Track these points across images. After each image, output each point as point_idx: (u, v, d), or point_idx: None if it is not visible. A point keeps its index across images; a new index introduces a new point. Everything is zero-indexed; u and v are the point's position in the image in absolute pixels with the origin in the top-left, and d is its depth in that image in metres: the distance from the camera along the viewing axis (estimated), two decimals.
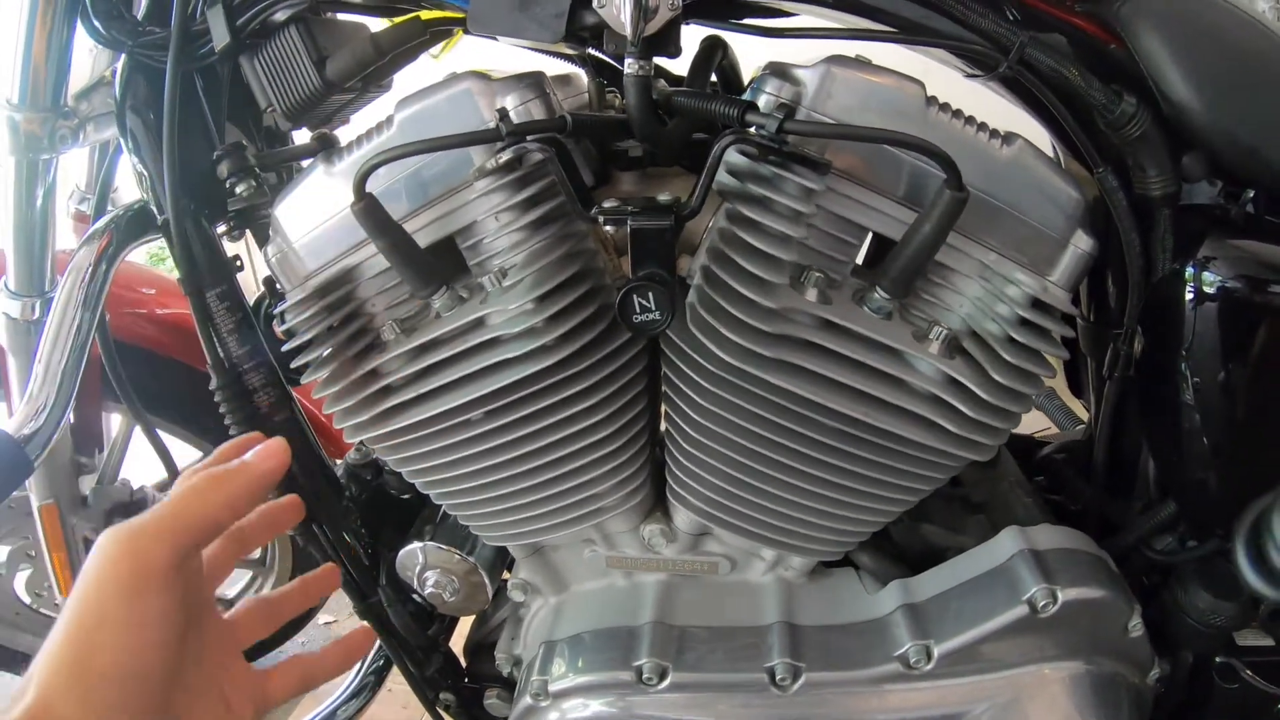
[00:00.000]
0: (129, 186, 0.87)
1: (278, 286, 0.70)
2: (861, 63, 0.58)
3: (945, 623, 0.62)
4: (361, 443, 0.76)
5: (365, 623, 0.81)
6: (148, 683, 0.38)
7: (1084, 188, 0.61)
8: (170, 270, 0.74)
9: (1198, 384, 0.63)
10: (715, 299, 0.56)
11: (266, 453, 0.47)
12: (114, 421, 1.07)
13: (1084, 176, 0.65)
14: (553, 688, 0.66)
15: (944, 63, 0.65)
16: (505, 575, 0.81)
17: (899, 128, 0.56)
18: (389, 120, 0.62)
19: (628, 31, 0.52)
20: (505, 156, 0.56)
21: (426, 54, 0.72)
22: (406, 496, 0.84)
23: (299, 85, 0.67)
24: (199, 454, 1.13)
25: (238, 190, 0.70)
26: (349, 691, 0.96)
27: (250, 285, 0.78)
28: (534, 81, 0.60)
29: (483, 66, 0.65)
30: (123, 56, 0.69)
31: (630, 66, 0.55)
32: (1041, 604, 0.60)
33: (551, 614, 0.74)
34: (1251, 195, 0.63)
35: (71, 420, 0.92)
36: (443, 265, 0.62)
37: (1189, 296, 0.62)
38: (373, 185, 0.60)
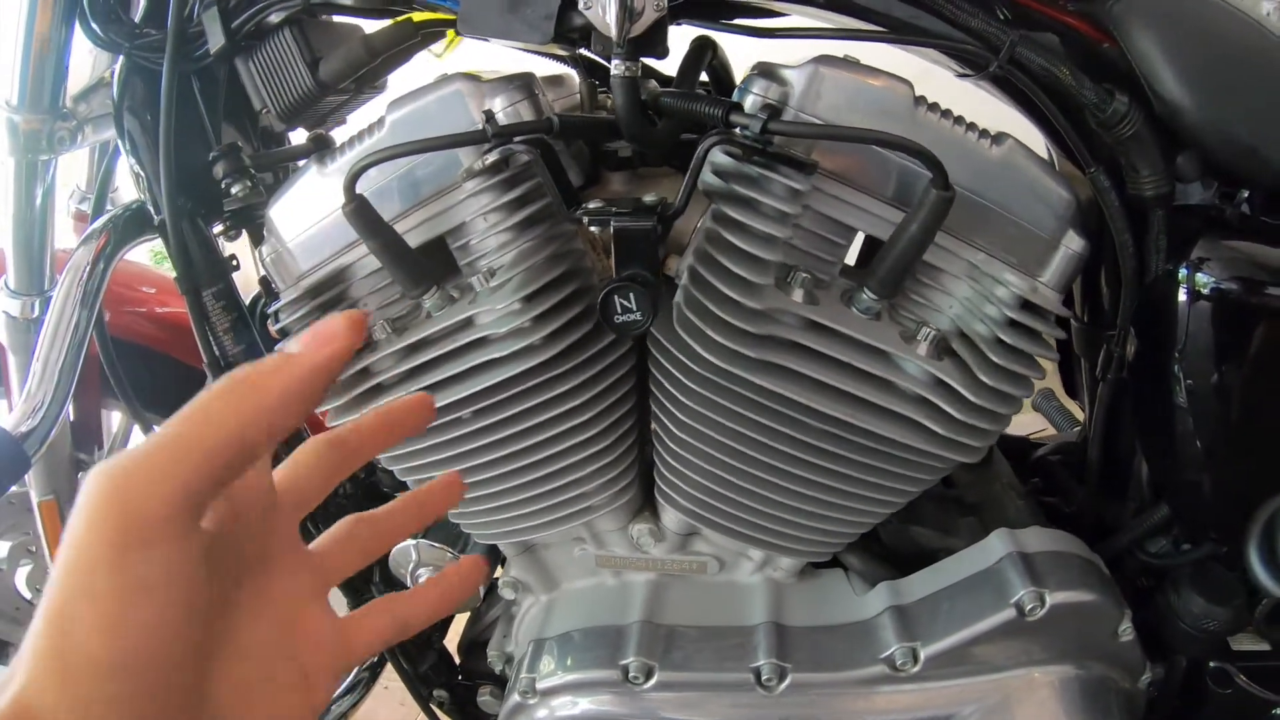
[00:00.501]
0: (129, 186, 0.87)
1: (273, 286, 0.71)
2: (849, 63, 0.58)
3: (932, 625, 0.62)
4: None
5: (475, 554, 0.74)
6: (156, 670, 0.28)
7: (1076, 188, 0.60)
8: (171, 269, 0.74)
9: (1191, 386, 0.62)
10: (700, 299, 0.56)
11: (324, 336, 0.31)
12: (114, 418, 1.08)
13: (1077, 177, 0.65)
14: (541, 685, 0.67)
15: (937, 63, 0.65)
16: (499, 574, 0.81)
17: (887, 128, 0.55)
18: (380, 122, 0.63)
19: (613, 33, 0.52)
20: (492, 158, 0.56)
21: (429, 53, 0.73)
22: (400, 494, 0.85)
23: (293, 87, 0.68)
24: None
25: (233, 191, 0.71)
26: (343, 687, 0.96)
27: (252, 282, 0.78)
28: (523, 83, 0.61)
29: (480, 67, 0.66)
30: (120, 58, 0.70)
31: (617, 68, 0.55)
32: (1029, 607, 0.59)
33: (542, 612, 0.75)
34: (1246, 195, 0.62)
35: (71, 417, 0.93)
36: (434, 265, 0.62)
37: (1182, 298, 0.62)
38: (365, 186, 0.61)
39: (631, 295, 0.52)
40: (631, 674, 0.64)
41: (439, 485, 0.41)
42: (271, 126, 0.81)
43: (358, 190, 0.58)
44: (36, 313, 0.81)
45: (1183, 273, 0.62)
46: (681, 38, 0.68)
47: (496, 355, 0.60)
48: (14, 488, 0.84)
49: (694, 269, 0.57)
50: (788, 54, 0.60)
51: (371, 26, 0.70)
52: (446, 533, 0.78)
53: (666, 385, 0.61)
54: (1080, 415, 0.94)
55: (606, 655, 0.65)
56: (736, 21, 0.65)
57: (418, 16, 0.66)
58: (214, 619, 0.31)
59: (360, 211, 0.59)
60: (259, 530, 0.34)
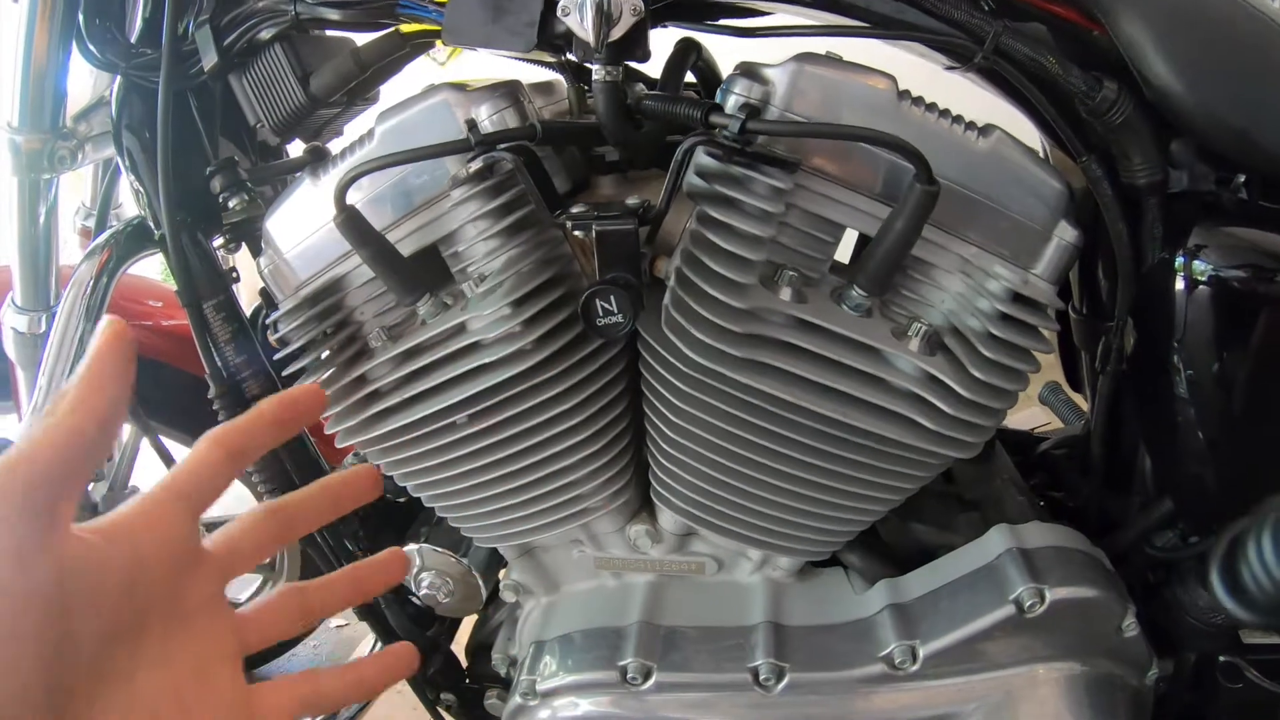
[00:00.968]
0: (132, 202, 0.89)
1: (272, 296, 0.72)
2: (832, 60, 0.58)
3: (931, 623, 0.61)
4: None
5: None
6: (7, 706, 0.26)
7: (1070, 178, 0.60)
8: None
9: (1191, 376, 0.62)
10: (686, 300, 0.56)
11: (110, 334, 0.32)
12: (123, 431, 1.10)
13: (1070, 167, 0.64)
14: (541, 687, 0.67)
15: (924, 57, 0.65)
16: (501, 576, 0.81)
17: (871, 123, 0.55)
18: (370, 133, 0.64)
19: (590, 39, 0.52)
20: (475, 165, 0.57)
21: (433, 61, 0.74)
22: (402, 500, 0.85)
23: (285, 101, 0.69)
24: None
25: (230, 205, 0.72)
26: None
27: (255, 292, 0.79)
28: (508, 91, 0.61)
29: (480, 72, 0.66)
30: (118, 78, 0.71)
31: (598, 73, 0.55)
32: (1028, 604, 0.59)
33: (543, 614, 0.75)
34: (1243, 180, 0.61)
35: None
36: (427, 273, 0.63)
37: (1180, 286, 0.61)
38: (357, 196, 0.61)
39: (612, 298, 0.52)
40: (630, 675, 0.64)
41: (379, 560, 0.41)
42: (268, 140, 0.82)
43: (349, 201, 0.59)
44: (44, 328, 0.82)
45: (1179, 261, 0.61)
46: (667, 39, 0.68)
47: (488, 360, 0.60)
48: None
49: (680, 270, 0.57)
50: (773, 53, 0.60)
51: (362, 39, 0.71)
52: (449, 537, 0.79)
53: (657, 387, 0.61)
54: (1087, 408, 0.93)
55: (605, 656, 0.65)
56: (720, 22, 0.65)
57: (405, 28, 0.67)
58: (100, 661, 0.30)
59: (351, 222, 0.59)
60: (172, 583, 0.33)
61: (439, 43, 0.70)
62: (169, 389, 0.97)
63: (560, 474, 0.66)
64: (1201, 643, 0.68)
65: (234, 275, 0.79)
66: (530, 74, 0.72)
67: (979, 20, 0.58)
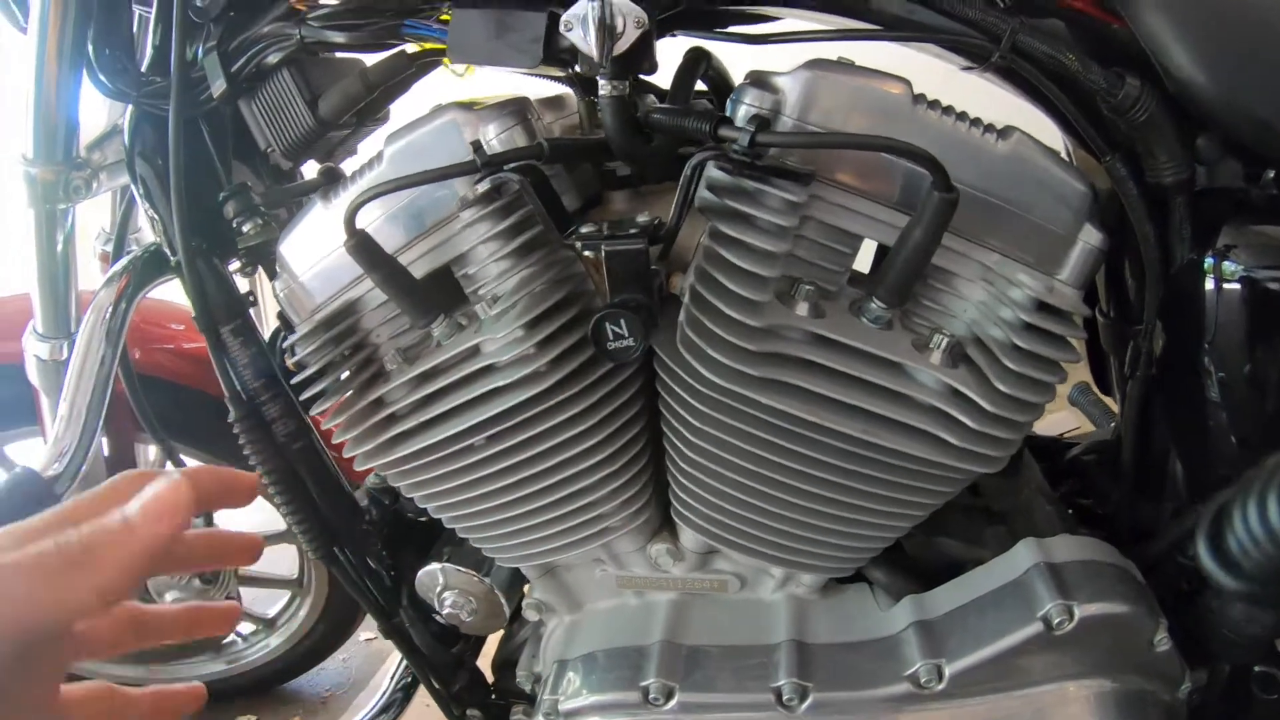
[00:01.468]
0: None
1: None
2: (844, 65, 0.56)
3: (958, 640, 0.60)
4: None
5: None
6: None
7: (1094, 179, 0.58)
8: None
9: (1223, 379, 0.60)
10: (701, 319, 0.55)
11: (160, 508, 0.33)
12: (149, 451, 1.11)
13: (1094, 167, 0.62)
14: (564, 707, 0.66)
15: (940, 59, 0.63)
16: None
17: (886, 128, 0.54)
18: (379, 155, 0.63)
19: (594, 54, 0.52)
20: (483, 187, 0.56)
21: (453, 74, 0.73)
22: (424, 519, 0.85)
23: (294, 125, 0.69)
24: None
25: (244, 229, 0.72)
26: (377, 707, 0.98)
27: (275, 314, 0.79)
28: (515, 109, 0.60)
29: (495, 87, 0.65)
30: (129, 107, 0.72)
31: (604, 87, 0.54)
32: (1057, 621, 0.57)
33: (566, 633, 0.74)
34: (1273, 175, 0.59)
35: (106, 452, 0.96)
36: (441, 294, 0.62)
37: (1209, 287, 0.60)
38: (369, 219, 0.61)
39: (623, 321, 0.51)
40: (652, 695, 0.63)
41: (219, 609, 0.43)
42: (280, 164, 0.82)
43: (359, 224, 0.59)
44: (65, 354, 0.83)
45: (1209, 261, 0.59)
46: (677, 49, 0.67)
47: (503, 383, 0.60)
48: None
49: (694, 288, 0.56)
50: (785, 59, 0.59)
51: (370, 59, 0.70)
52: (472, 556, 0.78)
53: (675, 406, 0.60)
54: (1117, 410, 0.91)
55: (628, 676, 0.64)
56: (730, 30, 0.63)
57: (411, 48, 0.67)
58: None
59: (362, 247, 0.59)
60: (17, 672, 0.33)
61: (445, 61, 0.70)
62: (190, 411, 0.98)
63: (579, 495, 0.65)
64: (1236, 653, 0.66)
65: (252, 299, 0.79)
66: (542, 87, 0.72)
67: (994, 18, 0.56)
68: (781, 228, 0.53)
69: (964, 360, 0.57)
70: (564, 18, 0.54)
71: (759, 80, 0.56)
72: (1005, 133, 0.56)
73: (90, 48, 0.70)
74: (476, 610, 0.79)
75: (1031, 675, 0.60)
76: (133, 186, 0.74)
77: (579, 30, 0.52)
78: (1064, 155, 0.64)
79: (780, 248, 0.53)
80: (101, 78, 0.70)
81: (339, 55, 0.74)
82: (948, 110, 0.56)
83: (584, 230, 0.54)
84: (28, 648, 0.30)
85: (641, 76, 0.62)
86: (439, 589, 0.80)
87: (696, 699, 0.63)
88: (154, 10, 0.67)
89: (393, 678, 0.98)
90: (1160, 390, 0.66)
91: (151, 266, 0.78)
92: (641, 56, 0.55)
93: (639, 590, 0.73)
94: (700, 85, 0.73)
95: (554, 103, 0.71)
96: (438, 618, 0.84)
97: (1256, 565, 0.54)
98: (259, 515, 0.97)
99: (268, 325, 0.82)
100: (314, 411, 0.68)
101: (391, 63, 0.68)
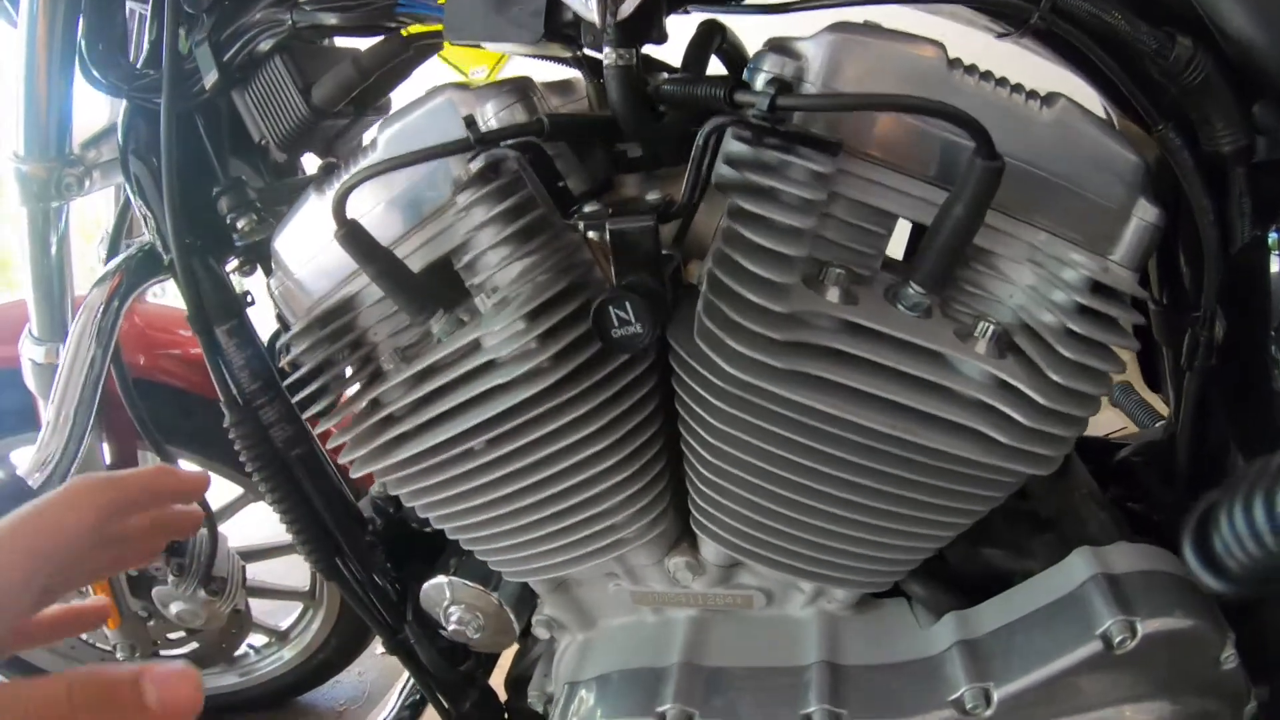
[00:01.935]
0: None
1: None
2: (871, 27, 0.52)
3: (1006, 661, 0.55)
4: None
5: None
6: None
7: (1143, 150, 0.54)
8: None
9: None
10: (721, 307, 0.51)
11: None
12: (150, 460, 1.09)
13: (1143, 138, 0.58)
14: None
15: (970, 24, 0.59)
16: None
17: (919, 95, 0.49)
18: (374, 142, 0.60)
19: (595, 18, 0.48)
20: (478, 165, 0.52)
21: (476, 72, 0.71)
22: (430, 530, 0.82)
23: (288, 115, 0.67)
24: (235, 489, 1.16)
25: (239, 225, 0.71)
26: None
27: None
28: (515, 87, 0.57)
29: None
30: (125, 102, 0.70)
31: (608, 56, 0.51)
32: (1118, 639, 0.52)
33: (578, 652, 0.71)
34: None
35: (108, 459, 0.94)
36: (440, 288, 0.59)
37: (1275, 267, 0.55)
38: (365, 209, 0.58)
39: (628, 305, 0.46)
40: None
41: (90, 606, 0.45)
42: (278, 158, 0.80)
43: (351, 214, 0.56)
44: (60, 358, 0.81)
45: (1273, 237, 0.55)
46: (690, 25, 0.63)
47: (504, 380, 0.56)
48: None
49: (713, 273, 0.52)
50: (804, 29, 0.54)
51: (366, 45, 0.68)
52: (480, 570, 0.75)
53: (693, 405, 0.56)
54: (1163, 409, 0.86)
55: (643, 701, 0.61)
56: (745, 1, 0.60)
57: (407, 30, 0.64)
58: None
59: (353, 236, 0.56)
60: None
61: (443, 48, 0.67)
62: (195, 418, 0.96)
63: (588, 503, 0.61)
64: None
65: (248, 299, 0.76)
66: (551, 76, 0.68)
67: None
68: (808, 201, 0.49)
69: (1012, 350, 0.53)
70: None
71: (779, 46, 0.52)
72: (1050, 99, 0.52)
73: (82, 42, 0.69)
74: (484, 627, 0.76)
75: (1086, 698, 0.55)
76: (125, 183, 0.72)
77: None
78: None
79: (806, 224, 0.49)
80: (94, 72, 0.68)
81: (335, 43, 0.72)
82: (986, 75, 0.52)
83: (587, 209, 0.50)
84: None
85: (652, 56, 0.58)
86: (445, 604, 0.77)
87: None
88: (149, 2, 0.65)
89: (401, 694, 0.95)
90: (1220, 383, 0.61)
91: (145, 266, 0.77)
92: (648, 24, 0.51)
93: (656, 607, 0.69)
94: (715, 62, 0.69)
95: (561, 87, 0.68)
96: (444, 633, 0.80)
97: (1242, 567, 0.52)
98: (267, 526, 0.95)
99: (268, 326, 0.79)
100: (311, 413, 0.65)
101: (386, 46, 0.65)
